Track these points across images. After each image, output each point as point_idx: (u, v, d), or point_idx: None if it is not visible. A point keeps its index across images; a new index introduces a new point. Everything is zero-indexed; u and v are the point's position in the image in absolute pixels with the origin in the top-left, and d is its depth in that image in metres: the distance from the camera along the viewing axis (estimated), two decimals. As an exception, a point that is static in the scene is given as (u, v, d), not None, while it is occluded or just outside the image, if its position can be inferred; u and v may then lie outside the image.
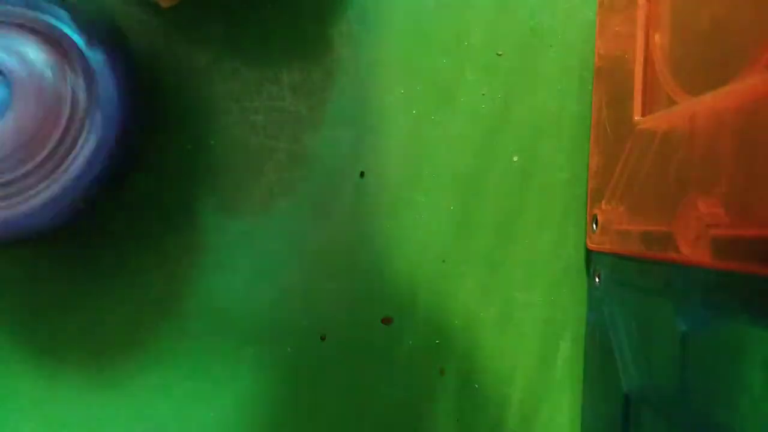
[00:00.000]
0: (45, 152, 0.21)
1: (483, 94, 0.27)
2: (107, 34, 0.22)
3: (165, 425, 0.26)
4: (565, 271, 0.27)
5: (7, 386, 0.26)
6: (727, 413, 0.16)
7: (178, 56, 0.26)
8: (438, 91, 0.27)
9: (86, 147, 0.21)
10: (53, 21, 0.21)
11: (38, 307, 0.26)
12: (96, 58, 0.21)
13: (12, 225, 0.21)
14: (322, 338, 0.26)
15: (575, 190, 0.27)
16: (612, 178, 0.23)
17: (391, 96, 0.26)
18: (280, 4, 0.26)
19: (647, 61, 0.22)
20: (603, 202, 0.24)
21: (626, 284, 0.23)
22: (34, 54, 0.21)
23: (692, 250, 0.17)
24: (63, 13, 0.22)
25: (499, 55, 0.27)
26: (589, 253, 0.27)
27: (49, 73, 0.21)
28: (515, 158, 0.27)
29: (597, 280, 0.25)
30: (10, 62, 0.21)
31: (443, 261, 0.27)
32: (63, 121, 0.21)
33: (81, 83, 0.21)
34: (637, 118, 0.22)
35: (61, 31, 0.21)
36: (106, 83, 0.22)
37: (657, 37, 0.21)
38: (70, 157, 0.21)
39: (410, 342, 0.27)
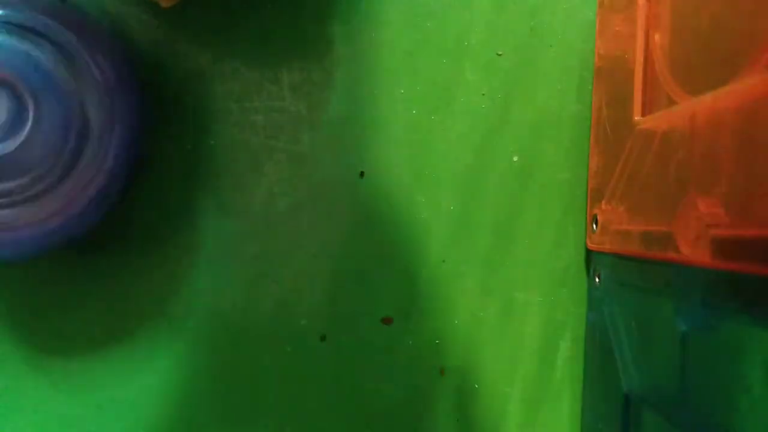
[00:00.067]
0: (62, 166, 0.21)
1: (483, 94, 0.27)
2: (114, 45, 0.22)
3: (164, 425, 0.26)
4: (565, 271, 0.27)
5: (7, 386, 0.26)
6: (727, 413, 0.16)
7: (178, 56, 0.26)
8: (438, 91, 0.27)
9: (107, 159, 0.21)
10: (64, 31, 0.21)
11: (38, 307, 0.26)
12: (110, 71, 0.21)
13: (34, 242, 0.21)
14: (322, 338, 0.26)
15: (575, 190, 0.27)
16: (612, 178, 0.23)
17: (391, 96, 0.26)
18: (280, 4, 0.26)
19: (647, 61, 0.22)
20: (603, 202, 0.24)
21: (626, 284, 0.23)
22: (49, 65, 0.21)
23: (692, 250, 0.17)
24: (72, 22, 0.21)
25: (499, 55, 0.27)
26: (589, 253, 0.27)
27: (64, 87, 0.21)
28: (515, 158, 0.27)
29: (597, 280, 0.25)
30: (26, 74, 0.20)
31: (443, 261, 0.27)
32: (79, 135, 0.21)
33: (97, 97, 0.21)
34: (637, 118, 0.22)
35: (74, 41, 0.21)
36: (123, 97, 0.21)
37: (657, 37, 0.21)
38: (93, 170, 0.21)
39: (410, 342, 0.27)
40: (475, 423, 0.27)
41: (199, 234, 0.26)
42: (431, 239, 0.27)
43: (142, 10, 0.26)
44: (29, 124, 0.20)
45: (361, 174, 0.26)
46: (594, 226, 0.25)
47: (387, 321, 0.26)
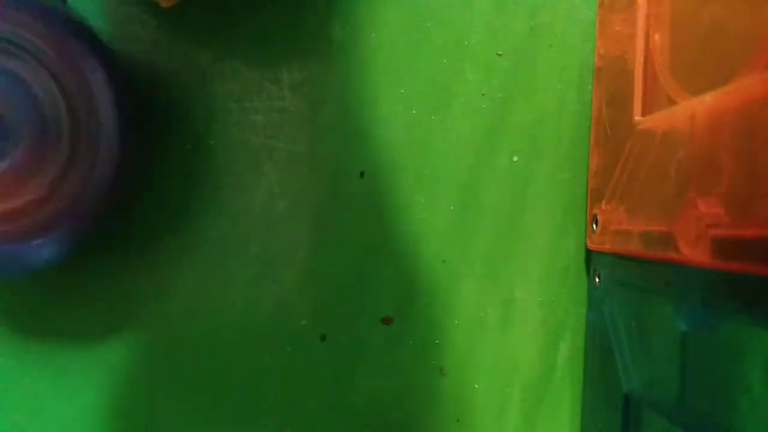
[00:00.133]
0: (47, 184, 0.20)
1: (483, 94, 0.27)
2: (100, 48, 0.22)
3: (164, 425, 0.26)
4: (565, 271, 0.27)
5: (6, 387, 0.26)
6: (727, 413, 0.16)
7: (178, 56, 0.26)
8: (438, 91, 0.27)
9: (93, 172, 0.21)
10: (43, 46, 0.20)
11: (38, 307, 0.26)
12: (94, 76, 0.21)
13: (26, 258, 0.21)
14: (322, 338, 0.26)
15: (575, 190, 0.27)
16: (612, 178, 0.23)
17: (391, 96, 0.26)
18: (280, 4, 0.26)
19: (647, 61, 0.22)
20: (603, 202, 0.24)
21: (626, 284, 0.23)
22: (29, 80, 0.20)
23: (692, 250, 0.17)
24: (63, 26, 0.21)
25: (499, 55, 0.27)
26: (589, 253, 0.27)
27: (45, 97, 0.20)
28: (515, 158, 0.27)
29: (597, 280, 0.25)
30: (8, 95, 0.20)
31: (443, 261, 0.27)
32: (66, 145, 0.20)
33: (82, 106, 0.21)
34: (637, 118, 0.22)
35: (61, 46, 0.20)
36: (106, 104, 0.21)
37: (657, 37, 0.21)
38: (78, 181, 0.21)
39: (410, 342, 0.27)
40: (475, 423, 0.27)
41: (199, 234, 0.26)
42: (431, 239, 0.27)
43: (142, 10, 0.26)
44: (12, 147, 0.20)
45: (361, 174, 0.26)
46: (594, 226, 0.25)
47: (387, 321, 0.26)
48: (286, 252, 0.26)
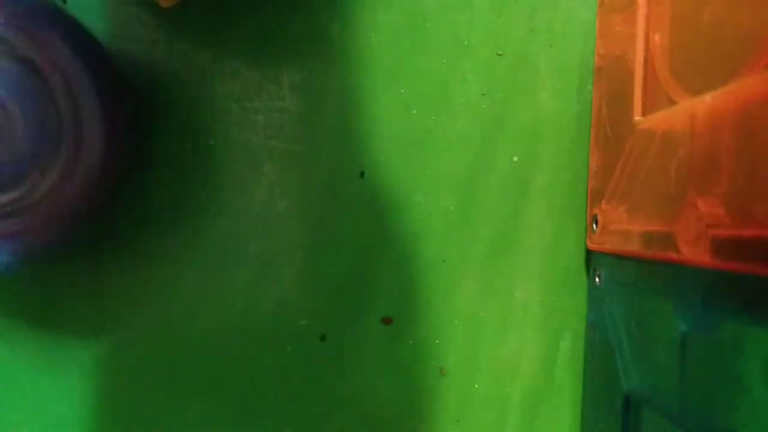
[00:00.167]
0: (36, 175, 0.20)
1: (483, 94, 0.27)
2: (89, 48, 0.22)
3: (164, 424, 0.26)
4: (565, 271, 0.27)
5: (6, 387, 0.26)
6: (727, 413, 0.16)
7: (178, 56, 0.26)
8: (438, 91, 0.27)
9: (77, 170, 0.21)
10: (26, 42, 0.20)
11: (38, 307, 0.26)
12: (80, 76, 0.20)
13: (18, 247, 0.21)
14: (322, 338, 0.26)
15: (575, 190, 0.27)
16: (612, 178, 0.23)
17: (391, 96, 0.26)
18: (280, 4, 0.26)
19: (647, 61, 0.22)
20: (603, 202, 0.24)
21: (626, 284, 0.23)
22: (15, 76, 0.20)
23: (692, 250, 0.17)
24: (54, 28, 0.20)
25: (499, 55, 0.27)
26: (589, 253, 0.27)
27: (32, 97, 0.20)
28: (515, 158, 0.27)
29: (597, 280, 0.25)
30: None
31: (443, 261, 0.27)
32: (52, 141, 0.20)
33: (66, 105, 0.20)
34: (637, 118, 0.22)
35: (48, 47, 0.20)
36: (92, 104, 0.21)
37: (657, 37, 0.21)
38: (64, 177, 0.20)
39: (410, 342, 0.27)
40: (475, 423, 0.27)
41: (199, 234, 0.26)
42: (431, 239, 0.27)
43: (142, 10, 0.26)
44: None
45: (361, 174, 0.26)
46: (594, 226, 0.25)
47: (387, 321, 0.26)
48: (286, 252, 0.26)
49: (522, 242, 0.27)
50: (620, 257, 0.23)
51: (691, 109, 0.17)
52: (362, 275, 0.26)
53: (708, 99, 0.17)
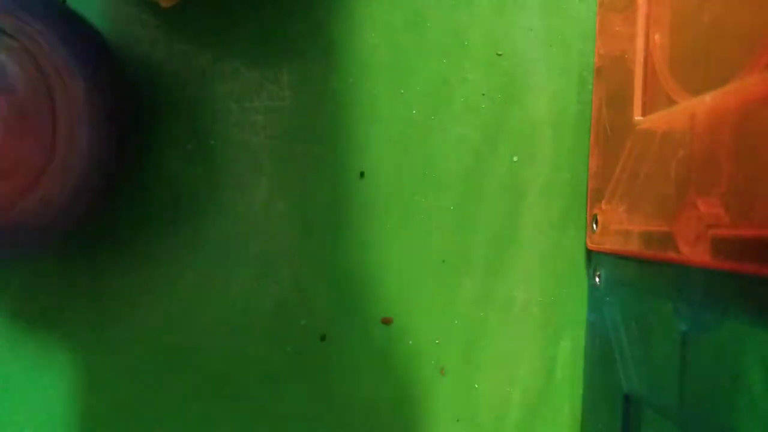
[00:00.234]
0: (32, 173, 0.20)
1: (483, 94, 0.27)
2: (90, 45, 0.21)
3: (164, 424, 0.26)
4: (565, 271, 0.27)
5: (6, 387, 0.26)
6: (727, 413, 0.16)
7: (178, 56, 0.26)
8: (438, 91, 0.27)
9: (71, 169, 0.20)
10: (36, 31, 0.20)
11: (37, 307, 0.26)
12: (78, 75, 0.20)
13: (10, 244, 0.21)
14: (322, 338, 0.26)
15: (575, 190, 0.27)
16: (612, 178, 0.23)
17: (391, 96, 0.26)
18: (280, 4, 0.26)
19: (647, 61, 0.22)
20: (603, 202, 0.24)
21: (626, 284, 0.23)
22: (13, 71, 0.19)
23: (692, 250, 0.17)
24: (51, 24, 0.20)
25: (499, 55, 0.27)
26: (589, 253, 0.27)
27: (29, 93, 0.20)
28: (515, 158, 0.27)
29: (597, 280, 0.25)
30: None
31: (443, 261, 0.27)
32: (48, 140, 0.20)
33: (64, 102, 0.20)
34: (637, 118, 0.22)
35: (44, 45, 0.20)
36: (90, 103, 0.20)
37: (657, 37, 0.21)
38: (53, 176, 0.20)
39: (410, 342, 0.27)
40: (475, 423, 0.27)
41: (199, 234, 0.26)
42: (431, 239, 0.27)
43: (142, 10, 0.26)
44: None
45: (361, 174, 0.26)
46: (594, 226, 0.25)
47: (387, 321, 0.26)
48: (286, 252, 0.26)
49: (522, 242, 0.27)
50: (620, 257, 0.23)
51: (691, 109, 0.17)
52: (362, 275, 0.26)
53: (708, 99, 0.17)
